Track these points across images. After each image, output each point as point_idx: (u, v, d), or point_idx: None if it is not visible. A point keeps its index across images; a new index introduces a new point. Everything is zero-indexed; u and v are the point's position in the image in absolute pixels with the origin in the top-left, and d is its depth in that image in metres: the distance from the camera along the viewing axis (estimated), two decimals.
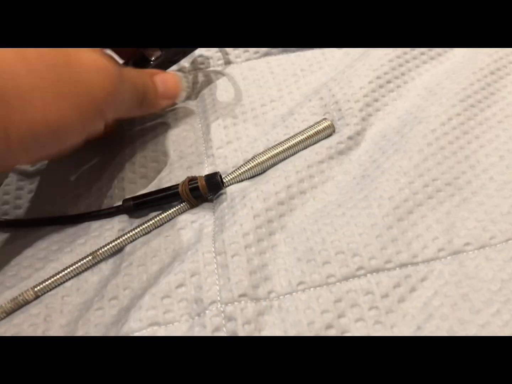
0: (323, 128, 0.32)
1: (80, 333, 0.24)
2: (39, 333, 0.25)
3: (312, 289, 0.24)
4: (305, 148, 0.31)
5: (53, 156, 0.26)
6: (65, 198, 0.31)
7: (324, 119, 0.32)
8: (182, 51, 0.34)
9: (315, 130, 0.31)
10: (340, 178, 0.29)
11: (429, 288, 0.24)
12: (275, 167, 0.30)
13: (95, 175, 0.32)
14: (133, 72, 0.29)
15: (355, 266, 0.25)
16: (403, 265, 0.25)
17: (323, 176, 0.29)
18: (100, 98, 0.25)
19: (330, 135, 0.32)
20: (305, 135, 0.31)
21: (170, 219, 0.29)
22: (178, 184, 0.29)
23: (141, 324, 0.23)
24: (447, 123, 0.31)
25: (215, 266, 0.25)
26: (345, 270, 0.25)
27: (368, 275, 0.24)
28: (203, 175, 0.29)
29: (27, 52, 0.23)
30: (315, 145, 0.31)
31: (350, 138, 0.31)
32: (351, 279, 0.24)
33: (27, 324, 0.25)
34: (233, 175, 0.30)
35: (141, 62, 0.33)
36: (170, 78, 0.31)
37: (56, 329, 0.25)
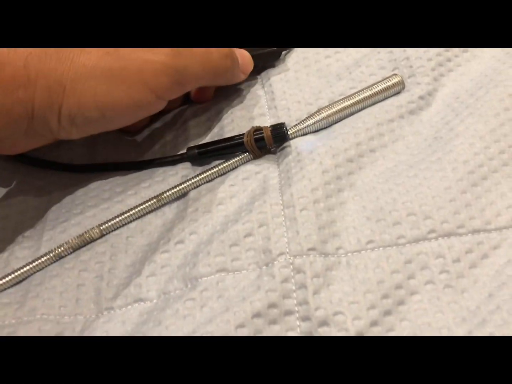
0: (392, 84, 0.30)
1: (146, 273, 0.24)
2: (105, 270, 0.25)
3: (381, 248, 0.24)
4: (373, 104, 0.30)
5: (107, 130, 0.27)
6: (129, 146, 0.31)
7: (394, 74, 0.31)
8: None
9: (385, 85, 0.30)
10: (411, 139, 0.28)
11: (502, 256, 0.23)
12: (343, 122, 0.29)
13: (158, 124, 0.32)
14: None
15: (427, 229, 0.24)
16: (475, 231, 0.24)
17: (393, 135, 0.28)
18: (154, 81, 0.25)
19: (399, 92, 0.31)
20: (373, 91, 0.30)
21: (233, 168, 0.28)
22: (243, 134, 0.28)
23: (209, 269, 0.24)
24: None
25: (283, 218, 0.25)
26: (416, 232, 0.24)
27: (440, 238, 0.24)
28: (268, 125, 0.28)
29: None
30: (384, 102, 0.30)
31: (421, 98, 0.30)
32: (421, 242, 0.24)
33: (93, 262, 0.26)
34: (297, 128, 0.29)
35: None
36: (246, 54, 0.30)
37: (121, 268, 0.25)
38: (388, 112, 0.29)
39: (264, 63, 0.33)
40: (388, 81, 0.30)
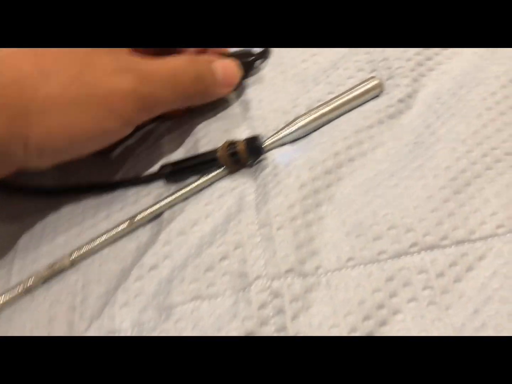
0: (370, 87, 0.29)
1: (119, 303, 0.23)
2: (77, 301, 0.24)
3: (362, 266, 0.23)
4: (351, 109, 0.29)
5: (77, 157, 0.26)
6: (102, 165, 0.30)
7: (372, 77, 0.29)
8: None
9: (362, 90, 0.29)
10: (391, 145, 0.27)
11: (487, 268, 0.22)
12: (321, 130, 0.28)
13: (131, 141, 0.31)
14: (171, 63, 0.26)
15: (409, 243, 0.23)
16: (459, 242, 0.23)
17: (372, 143, 0.27)
18: (121, 108, 0.24)
19: (377, 95, 0.30)
20: (351, 95, 0.29)
21: (208, 185, 0.27)
22: (216, 149, 0.27)
23: (184, 297, 0.23)
24: (509, 85, 0.28)
25: (260, 239, 0.24)
26: (398, 247, 0.23)
27: (422, 252, 0.23)
28: (242, 138, 0.27)
29: (45, 61, 0.23)
30: (363, 108, 0.29)
31: (400, 100, 0.29)
32: (403, 256, 0.23)
33: (65, 292, 0.25)
34: (273, 139, 0.28)
35: None
36: (230, 65, 0.29)
37: (94, 298, 0.24)
38: (366, 118, 0.28)
39: None
40: (365, 85, 0.29)
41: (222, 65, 0.29)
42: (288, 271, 0.23)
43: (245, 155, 0.27)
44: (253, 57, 0.32)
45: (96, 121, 0.24)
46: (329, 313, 0.22)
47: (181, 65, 0.26)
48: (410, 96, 0.29)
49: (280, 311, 0.22)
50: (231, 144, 0.27)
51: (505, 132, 0.27)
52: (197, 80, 0.27)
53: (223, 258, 0.23)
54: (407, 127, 0.28)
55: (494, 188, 0.25)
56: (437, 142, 0.26)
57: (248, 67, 0.32)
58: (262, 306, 0.22)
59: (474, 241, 0.23)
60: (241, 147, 0.27)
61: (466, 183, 0.25)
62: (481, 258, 0.23)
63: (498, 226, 0.24)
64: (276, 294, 0.22)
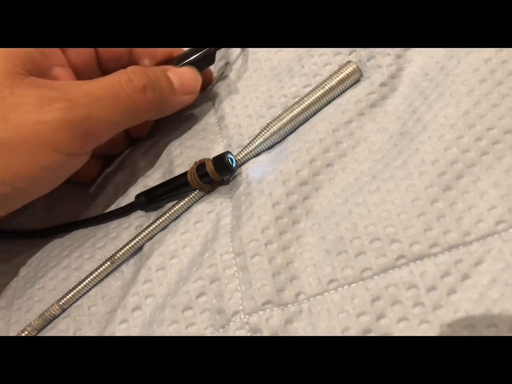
0: (347, 74, 0.26)
1: None
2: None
3: (346, 287, 0.21)
4: (329, 102, 0.27)
5: (36, 198, 0.25)
6: (85, 199, 0.30)
7: (349, 62, 0.27)
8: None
9: (338, 79, 0.26)
10: (374, 138, 0.25)
11: (485, 274, 0.20)
12: (296, 134, 0.26)
13: (111, 168, 0.30)
14: (107, 80, 0.24)
15: (394, 255, 0.21)
16: (452, 248, 0.21)
17: (352, 140, 0.25)
18: (54, 140, 0.22)
19: (358, 80, 0.27)
20: (326, 87, 0.26)
21: (186, 209, 0.26)
22: (187, 172, 0.26)
23: None
24: (506, 48, 0.25)
25: (235, 269, 0.23)
26: (383, 261, 0.21)
27: (411, 264, 0.21)
28: (211, 157, 0.26)
29: None
30: (341, 99, 0.26)
31: (383, 84, 0.26)
32: (390, 271, 0.21)
33: None
34: (246, 151, 0.26)
35: None
36: (186, 71, 0.27)
37: None
38: (344, 112, 0.26)
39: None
40: (341, 72, 0.26)
41: (177, 72, 0.27)
42: (266, 303, 0.21)
43: (216, 175, 0.25)
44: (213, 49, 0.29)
45: (32, 160, 0.22)
46: None
47: (121, 78, 0.24)
48: (394, 76, 0.26)
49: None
50: (201, 165, 0.25)
51: (503, 106, 0.23)
52: (148, 89, 0.25)
53: (200, 294, 0.22)
54: (392, 115, 0.25)
55: (492, 176, 0.22)
56: (423, 131, 0.23)
57: (209, 61, 0.29)
58: None
59: (469, 243, 0.21)
60: (210, 167, 0.25)
61: (457, 176, 0.22)
62: (477, 263, 0.20)
63: (498, 222, 0.21)
64: (254, 330, 0.21)
